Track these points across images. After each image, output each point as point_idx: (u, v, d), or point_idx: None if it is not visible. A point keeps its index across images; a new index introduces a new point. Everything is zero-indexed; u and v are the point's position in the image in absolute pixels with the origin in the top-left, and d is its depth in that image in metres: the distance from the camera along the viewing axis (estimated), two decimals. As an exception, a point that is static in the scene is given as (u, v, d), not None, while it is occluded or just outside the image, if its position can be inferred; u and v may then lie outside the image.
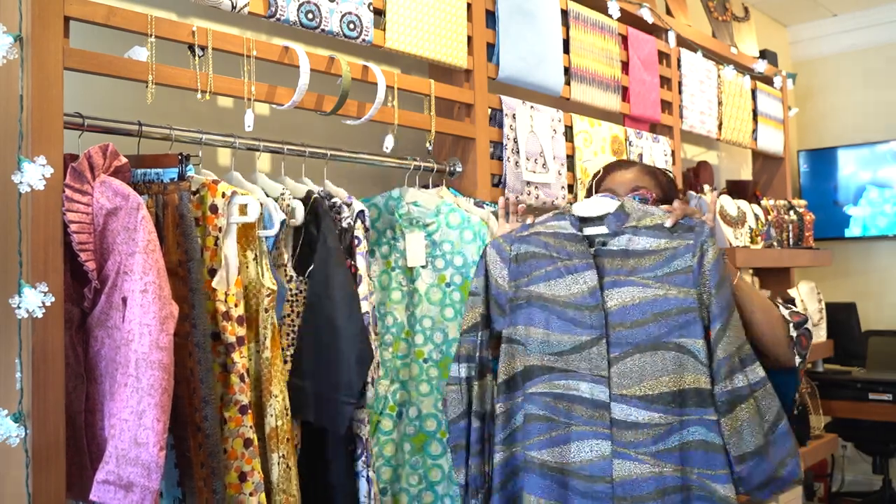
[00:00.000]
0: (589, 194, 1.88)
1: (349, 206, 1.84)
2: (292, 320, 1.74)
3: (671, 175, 1.89)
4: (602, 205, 1.64)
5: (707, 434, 1.50)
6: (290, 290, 1.73)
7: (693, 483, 1.50)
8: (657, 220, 1.60)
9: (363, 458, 1.78)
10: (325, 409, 1.69)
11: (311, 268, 1.75)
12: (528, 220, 1.75)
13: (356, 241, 1.82)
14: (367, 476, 1.78)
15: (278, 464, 1.58)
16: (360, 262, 1.82)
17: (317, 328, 1.72)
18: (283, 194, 1.74)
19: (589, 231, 1.64)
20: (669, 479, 1.49)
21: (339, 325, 1.70)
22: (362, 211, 1.85)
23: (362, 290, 1.78)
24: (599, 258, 1.60)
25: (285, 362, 1.71)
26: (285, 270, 1.74)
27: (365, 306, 1.77)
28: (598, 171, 1.91)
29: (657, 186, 1.83)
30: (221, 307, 1.53)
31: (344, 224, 1.82)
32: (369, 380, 1.75)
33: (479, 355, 1.68)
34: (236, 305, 1.55)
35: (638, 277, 1.56)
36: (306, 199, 1.78)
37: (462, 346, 1.70)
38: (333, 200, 1.82)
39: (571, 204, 1.69)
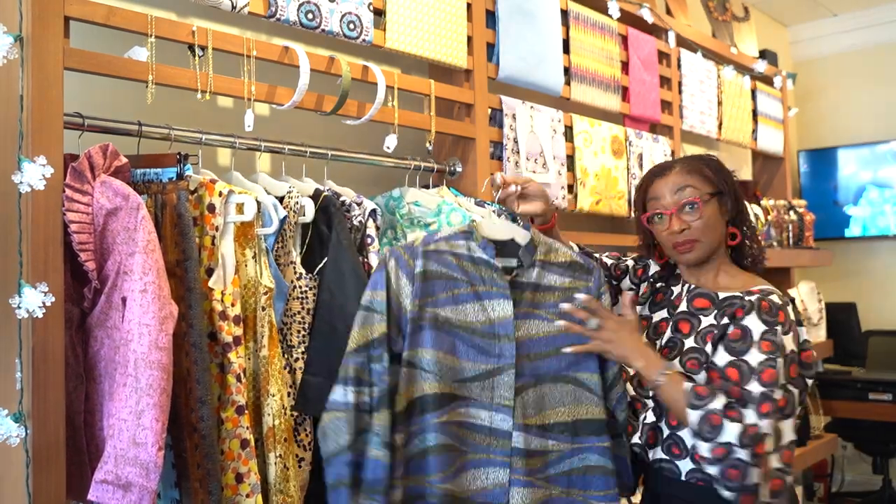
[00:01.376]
0: (639, 211, 1.78)
1: (359, 204, 1.84)
2: (303, 318, 1.74)
3: (715, 159, 1.75)
4: (511, 230, 1.65)
5: (600, 459, 1.61)
6: (300, 287, 1.73)
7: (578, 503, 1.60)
8: (561, 258, 1.65)
9: None
10: None
11: (321, 265, 1.75)
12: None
13: (369, 240, 1.83)
14: None
15: (275, 464, 1.58)
16: (374, 260, 1.82)
17: (331, 324, 1.72)
18: (290, 192, 1.75)
19: (502, 262, 1.61)
20: (557, 501, 1.59)
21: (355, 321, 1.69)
22: (374, 210, 1.85)
23: None
24: (512, 289, 1.60)
25: (297, 359, 1.72)
26: (294, 268, 1.74)
27: None
28: (640, 184, 1.78)
29: (705, 182, 1.69)
30: (218, 307, 1.53)
31: (355, 222, 1.82)
32: None
33: (385, 379, 1.50)
34: (233, 305, 1.55)
35: (543, 311, 1.61)
36: (315, 197, 1.78)
37: (349, 366, 1.50)
38: (342, 199, 1.83)
39: (474, 222, 1.65)
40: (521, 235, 1.64)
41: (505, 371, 1.56)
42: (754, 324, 1.56)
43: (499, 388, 1.55)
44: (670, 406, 1.58)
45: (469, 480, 1.54)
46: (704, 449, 1.49)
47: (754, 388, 1.50)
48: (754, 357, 1.53)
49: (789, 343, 1.57)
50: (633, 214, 2.06)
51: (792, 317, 1.61)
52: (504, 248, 1.63)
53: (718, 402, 1.50)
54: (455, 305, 1.56)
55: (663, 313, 1.74)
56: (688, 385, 1.54)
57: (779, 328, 1.56)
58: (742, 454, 1.46)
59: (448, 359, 1.54)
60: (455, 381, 1.54)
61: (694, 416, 1.50)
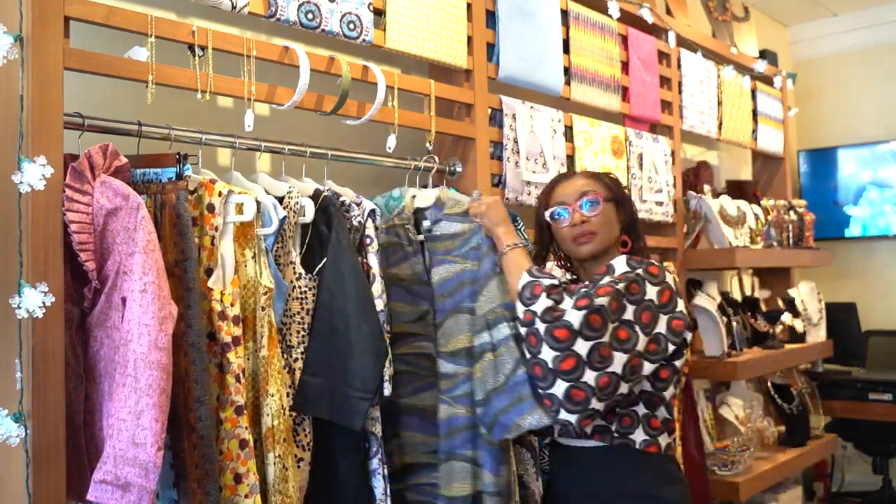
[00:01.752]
0: (542, 211, 1.95)
1: (359, 205, 1.84)
2: (302, 318, 1.74)
3: (614, 176, 1.97)
4: (431, 196, 2.04)
5: None
6: (300, 287, 1.73)
7: (475, 420, 1.83)
8: (461, 208, 1.98)
9: (378, 456, 1.78)
10: (340, 404, 1.68)
11: (320, 265, 1.75)
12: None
13: (368, 241, 1.83)
14: (384, 474, 1.79)
15: (274, 464, 1.58)
16: (373, 261, 1.82)
17: (331, 324, 1.72)
18: (290, 192, 1.74)
19: (425, 223, 2.02)
20: (462, 419, 1.83)
21: (354, 321, 1.70)
22: (373, 210, 1.85)
23: (376, 289, 1.79)
24: (430, 242, 1.98)
25: (296, 360, 1.72)
26: (294, 268, 1.74)
27: (379, 304, 1.78)
28: (544, 189, 1.98)
29: (604, 187, 1.90)
30: (217, 307, 1.53)
31: (354, 222, 1.82)
32: (386, 377, 1.76)
33: None
34: (232, 305, 1.54)
35: (450, 256, 1.95)
36: (315, 197, 1.78)
37: None
38: (342, 199, 1.83)
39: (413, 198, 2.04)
40: (433, 199, 2.03)
41: (430, 311, 1.93)
42: (619, 264, 1.75)
43: (429, 324, 1.92)
44: (508, 275, 1.80)
45: (428, 398, 1.89)
46: (520, 310, 1.71)
47: (584, 289, 1.69)
48: (603, 280, 1.71)
49: (651, 292, 1.70)
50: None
51: (668, 281, 1.73)
52: (427, 211, 2.02)
53: (548, 281, 1.71)
54: (398, 265, 1.96)
55: None
56: (533, 266, 1.78)
57: (640, 270, 1.71)
58: (540, 326, 1.64)
59: (397, 305, 1.92)
60: (403, 322, 1.91)
61: (523, 280, 1.73)
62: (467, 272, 1.91)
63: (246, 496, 1.51)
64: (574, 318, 1.62)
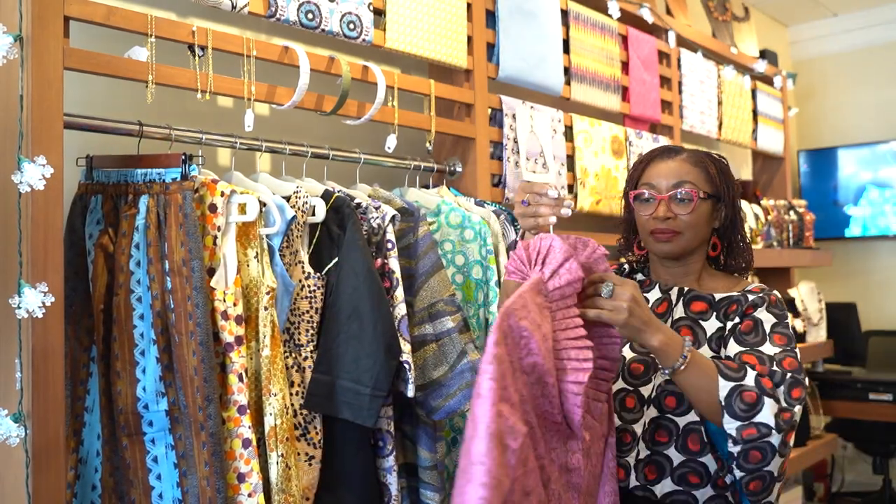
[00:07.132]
0: (629, 187, 1.65)
1: (377, 208, 1.84)
2: (311, 317, 1.73)
3: (724, 162, 1.63)
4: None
5: None
6: (308, 287, 1.73)
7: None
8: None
9: (393, 455, 1.78)
10: (353, 403, 1.68)
11: (330, 265, 1.74)
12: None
13: (389, 245, 1.82)
14: (398, 472, 1.79)
15: (277, 463, 1.58)
16: (395, 265, 1.81)
17: (343, 322, 1.71)
18: (297, 192, 1.74)
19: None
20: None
21: (368, 319, 1.69)
22: (395, 216, 1.84)
23: (399, 294, 1.79)
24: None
25: (306, 358, 1.72)
26: (302, 267, 1.73)
27: (403, 309, 1.78)
28: (640, 159, 1.66)
29: (707, 180, 1.57)
30: (220, 306, 1.53)
31: (374, 224, 1.82)
32: (410, 378, 1.75)
33: None
34: (235, 304, 1.54)
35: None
36: (325, 197, 1.78)
37: None
38: (357, 201, 1.82)
39: None
40: None
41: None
42: (765, 316, 1.51)
43: None
44: (693, 391, 1.40)
45: None
46: (732, 427, 1.37)
47: (781, 370, 1.42)
48: (768, 349, 1.46)
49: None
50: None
51: None
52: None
53: (750, 378, 1.39)
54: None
55: None
56: (714, 360, 1.42)
57: (787, 321, 1.52)
58: (774, 440, 1.36)
59: None
60: None
61: (726, 387, 1.37)
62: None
63: (249, 495, 1.51)
64: (798, 414, 1.42)
